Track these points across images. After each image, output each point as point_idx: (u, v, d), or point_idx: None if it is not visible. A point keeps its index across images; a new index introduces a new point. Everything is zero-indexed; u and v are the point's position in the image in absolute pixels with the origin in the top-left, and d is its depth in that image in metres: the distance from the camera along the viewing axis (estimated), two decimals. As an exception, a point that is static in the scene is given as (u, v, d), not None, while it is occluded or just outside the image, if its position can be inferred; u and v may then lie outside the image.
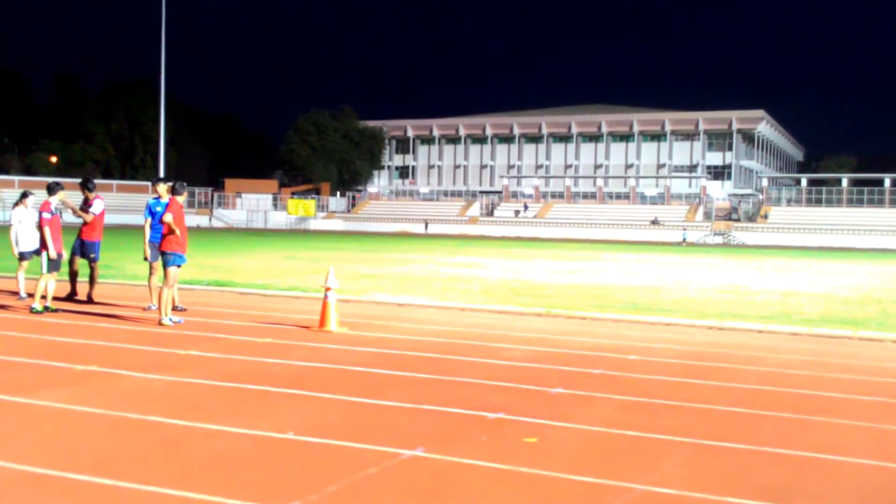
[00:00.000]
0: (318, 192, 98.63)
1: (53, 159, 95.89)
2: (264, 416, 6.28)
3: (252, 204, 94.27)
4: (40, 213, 11.97)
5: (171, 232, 10.88)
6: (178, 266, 11.04)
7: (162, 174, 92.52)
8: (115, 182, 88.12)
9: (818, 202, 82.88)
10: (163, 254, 11.10)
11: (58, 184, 12.35)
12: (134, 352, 8.99)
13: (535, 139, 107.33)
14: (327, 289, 10.78)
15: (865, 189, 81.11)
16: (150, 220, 12.18)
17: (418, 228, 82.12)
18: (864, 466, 5.48)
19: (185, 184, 11.62)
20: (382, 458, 5.28)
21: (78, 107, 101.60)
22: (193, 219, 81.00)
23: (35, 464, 4.97)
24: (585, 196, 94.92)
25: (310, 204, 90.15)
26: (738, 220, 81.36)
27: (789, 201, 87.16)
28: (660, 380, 8.18)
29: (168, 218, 10.92)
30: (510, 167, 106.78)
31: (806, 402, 7.40)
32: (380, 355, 9.13)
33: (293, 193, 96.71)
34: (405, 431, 5.95)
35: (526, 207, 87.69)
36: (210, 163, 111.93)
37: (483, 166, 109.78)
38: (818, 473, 5.29)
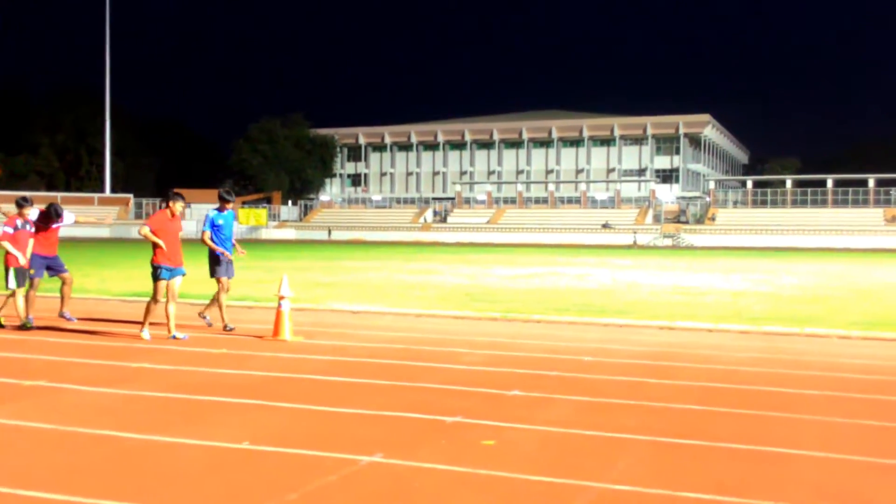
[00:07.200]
0: (269, 201, 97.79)
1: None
2: (219, 427, 6.20)
3: (202, 213, 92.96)
4: (3, 229, 11.61)
5: (157, 245, 10.71)
6: (165, 280, 10.77)
7: (108, 186, 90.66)
8: (59, 195, 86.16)
9: (763, 203, 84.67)
10: (151, 266, 10.91)
11: (25, 199, 11.95)
12: (84, 366, 8.81)
13: (486, 145, 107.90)
14: (281, 297, 10.69)
15: (809, 190, 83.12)
16: (208, 232, 11.90)
17: (370, 236, 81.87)
18: (816, 459, 5.60)
19: (174, 192, 11.49)
20: (341, 465, 5.25)
21: (21, 118, 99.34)
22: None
23: (-17, 482, 4.83)
24: (537, 201, 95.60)
25: (261, 213, 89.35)
26: (687, 222, 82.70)
27: (735, 203, 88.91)
28: (615, 380, 8.27)
29: (144, 230, 10.77)
30: (462, 173, 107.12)
31: (758, 397, 7.54)
32: (335, 363, 9.08)
33: (244, 203, 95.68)
34: (363, 438, 5.92)
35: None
36: (158, 172, 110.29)
37: (435, 173, 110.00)
38: (772, 467, 5.40)
